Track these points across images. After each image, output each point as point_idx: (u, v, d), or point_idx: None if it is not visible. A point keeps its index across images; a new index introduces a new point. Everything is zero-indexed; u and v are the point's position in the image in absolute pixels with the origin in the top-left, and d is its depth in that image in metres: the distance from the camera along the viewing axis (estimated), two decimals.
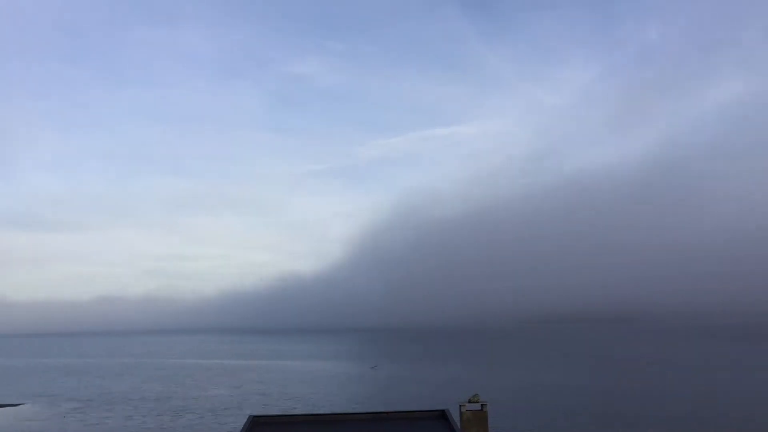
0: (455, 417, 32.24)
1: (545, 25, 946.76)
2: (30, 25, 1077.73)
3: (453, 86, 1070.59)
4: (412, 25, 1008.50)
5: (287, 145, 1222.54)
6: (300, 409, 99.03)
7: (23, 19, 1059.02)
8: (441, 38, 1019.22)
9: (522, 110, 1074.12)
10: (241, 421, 44.95)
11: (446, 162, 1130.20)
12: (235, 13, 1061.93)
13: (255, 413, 37.57)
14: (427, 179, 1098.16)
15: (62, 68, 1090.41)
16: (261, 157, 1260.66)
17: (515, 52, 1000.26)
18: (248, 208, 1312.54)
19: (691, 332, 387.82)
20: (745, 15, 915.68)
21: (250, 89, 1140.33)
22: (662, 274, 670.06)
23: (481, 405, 28.96)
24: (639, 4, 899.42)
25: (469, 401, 29.05)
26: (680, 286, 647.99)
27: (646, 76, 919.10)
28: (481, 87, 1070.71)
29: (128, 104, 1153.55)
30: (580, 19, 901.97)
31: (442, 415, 35.17)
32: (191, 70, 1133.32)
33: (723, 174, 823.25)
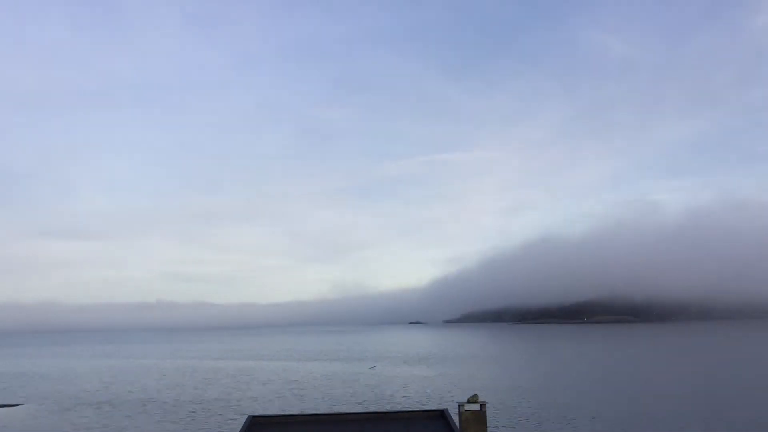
0: (454, 417, 32.31)
1: (518, 84, 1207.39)
2: (108, 79, 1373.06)
3: (447, 125, 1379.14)
4: (410, 83, 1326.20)
5: (311, 170, 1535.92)
6: (299, 409, 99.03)
7: (103, 72, 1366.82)
8: (433, 92, 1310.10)
9: (507, 143, 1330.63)
10: (240, 421, 44.99)
11: (446, 181, 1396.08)
12: (273, 76, 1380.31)
13: (254, 413, 37.62)
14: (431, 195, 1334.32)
15: (130, 114, 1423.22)
16: (288, 179, 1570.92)
17: (496, 103, 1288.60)
18: (272, 220, 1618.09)
19: None
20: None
21: (283, 129, 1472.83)
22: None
23: (480, 405, 28.99)
24: (596, 66, 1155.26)
25: (468, 401, 29.08)
26: None
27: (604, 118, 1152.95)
28: (471, 126, 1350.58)
29: (181, 139, 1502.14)
30: (546, 79, 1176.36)
31: (441, 415, 35.25)
32: (236, 116, 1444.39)
33: None
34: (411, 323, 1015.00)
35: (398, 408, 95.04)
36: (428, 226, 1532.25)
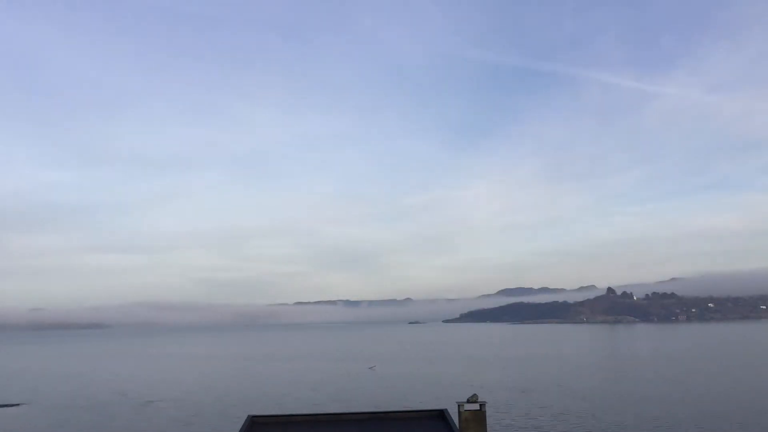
0: (454, 417, 32.26)
1: (498, 154, 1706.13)
2: (195, 145, 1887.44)
3: (450, 177, 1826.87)
4: (425, 154, 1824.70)
5: (342, 203, 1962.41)
6: (298, 409, 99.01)
7: (193, 139, 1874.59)
8: (441, 159, 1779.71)
9: (496, 185, 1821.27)
10: (240, 421, 44.96)
11: (451, 209, 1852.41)
12: (325, 151, 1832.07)
13: (254, 413, 37.57)
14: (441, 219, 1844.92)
15: (209, 171, 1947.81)
16: (323, 212, 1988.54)
17: (485, 163, 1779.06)
18: (296, 237, 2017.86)
19: None
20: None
21: (328, 182, 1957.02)
22: None
23: (480, 405, 28.95)
24: (551, 142, 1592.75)
25: (468, 401, 29.04)
26: None
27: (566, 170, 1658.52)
28: (469, 175, 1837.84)
29: (242, 188, 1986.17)
30: (518, 147, 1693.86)
31: (440, 415, 35.22)
32: (292, 174, 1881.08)
33: None
34: (411, 323, 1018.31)
35: (398, 408, 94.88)
36: (436, 241, 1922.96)
